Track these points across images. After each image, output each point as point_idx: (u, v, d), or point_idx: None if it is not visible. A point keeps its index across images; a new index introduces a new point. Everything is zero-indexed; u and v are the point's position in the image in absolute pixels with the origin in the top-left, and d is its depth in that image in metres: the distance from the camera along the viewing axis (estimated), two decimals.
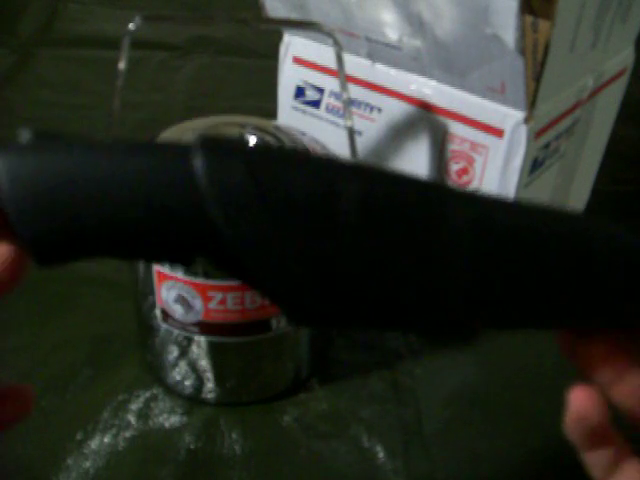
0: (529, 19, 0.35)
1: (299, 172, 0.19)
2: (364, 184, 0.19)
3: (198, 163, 0.18)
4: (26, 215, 0.17)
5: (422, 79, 0.44)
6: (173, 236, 0.18)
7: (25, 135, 0.18)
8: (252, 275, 0.19)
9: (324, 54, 0.48)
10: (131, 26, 0.36)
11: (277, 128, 0.41)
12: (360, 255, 0.19)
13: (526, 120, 0.39)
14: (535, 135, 0.40)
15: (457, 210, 0.20)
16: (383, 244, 0.19)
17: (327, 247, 0.19)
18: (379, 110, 0.46)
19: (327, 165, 0.20)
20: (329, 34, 0.38)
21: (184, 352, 0.39)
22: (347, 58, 0.40)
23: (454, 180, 0.44)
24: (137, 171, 0.18)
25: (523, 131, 0.40)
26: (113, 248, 0.19)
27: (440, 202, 0.20)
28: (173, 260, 0.20)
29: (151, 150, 0.19)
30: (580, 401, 0.21)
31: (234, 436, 0.39)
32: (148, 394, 0.41)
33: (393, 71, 0.45)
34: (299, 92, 0.51)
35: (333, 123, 0.50)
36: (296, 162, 0.20)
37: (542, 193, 0.48)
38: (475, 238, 0.20)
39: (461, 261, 0.20)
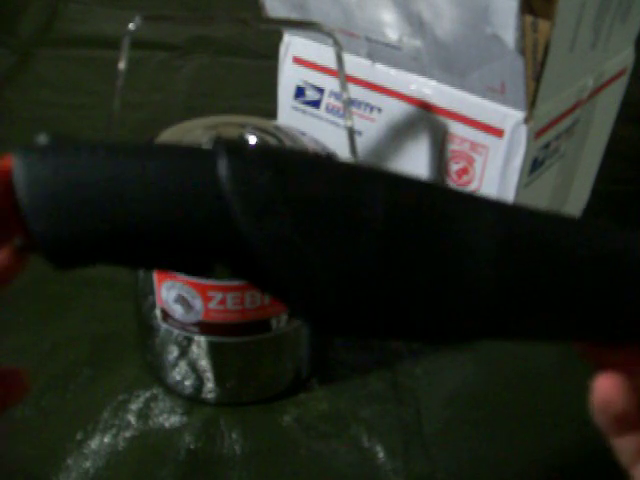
0: (529, 19, 0.35)
1: (324, 177, 0.19)
2: (389, 190, 0.19)
3: (222, 167, 0.18)
4: (43, 216, 0.17)
5: (422, 79, 0.44)
6: (194, 240, 0.18)
7: (42, 140, 0.18)
8: (275, 281, 0.19)
9: (324, 54, 0.48)
10: (131, 26, 0.36)
11: (277, 128, 0.41)
12: (385, 262, 0.19)
13: (526, 120, 0.39)
14: (535, 135, 0.40)
15: (483, 219, 0.20)
16: (407, 252, 0.19)
17: (352, 253, 0.19)
18: (379, 110, 0.46)
19: (352, 170, 0.20)
20: (329, 34, 0.38)
21: (184, 352, 0.39)
22: (347, 58, 0.40)
23: (454, 180, 0.44)
24: (158, 175, 0.18)
25: (523, 131, 0.40)
26: (131, 253, 0.18)
27: (467, 210, 0.20)
28: (191, 268, 0.19)
29: (173, 154, 0.19)
30: (605, 388, 0.21)
31: (234, 436, 0.39)
32: (148, 394, 0.41)
33: (393, 71, 0.45)
34: (299, 92, 0.51)
35: (333, 123, 0.50)
36: (320, 166, 0.19)
37: (542, 193, 0.48)
38: (502, 250, 0.20)
39: (486, 272, 0.19)
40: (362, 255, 0.19)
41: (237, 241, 0.18)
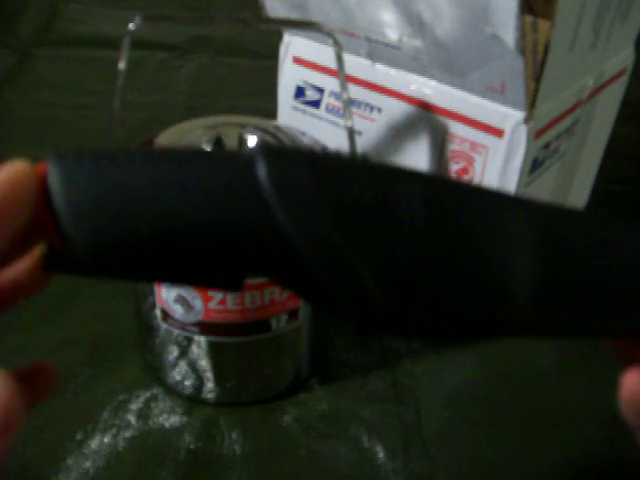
0: (529, 19, 0.35)
1: (361, 177, 0.19)
2: (427, 189, 0.19)
3: (261, 169, 0.18)
4: (80, 219, 0.17)
5: (422, 79, 0.44)
6: (234, 244, 0.18)
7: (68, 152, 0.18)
8: (316, 283, 0.18)
9: (324, 54, 0.48)
10: (131, 26, 0.36)
11: (277, 128, 0.41)
12: (427, 258, 0.19)
13: (526, 120, 0.39)
14: (535, 135, 0.40)
15: (520, 215, 0.20)
16: (449, 248, 0.19)
17: (393, 249, 0.18)
18: (379, 110, 0.46)
19: (388, 170, 0.20)
20: (329, 34, 0.38)
21: (184, 352, 0.39)
22: (347, 58, 0.40)
23: None
24: (197, 178, 0.18)
25: (523, 131, 0.40)
26: (168, 259, 0.18)
27: (502, 206, 0.20)
28: (223, 280, 0.19)
29: (210, 158, 0.19)
30: (633, 383, 0.21)
31: (234, 436, 0.39)
32: (148, 394, 0.41)
33: (393, 71, 0.45)
34: (299, 92, 0.51)
35: (333, 123, 0.50)
36: (357, 166, 0.19)
37: (542, 193, 0.48)
38: (541, 244, 0.20)
39: (527, 267, 0.19)
40: (404, 253, 0.19)
41: (277, 240, 0.18)
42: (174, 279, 0.20)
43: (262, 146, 0.18)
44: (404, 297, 0.19)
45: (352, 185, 0.19)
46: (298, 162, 0.18)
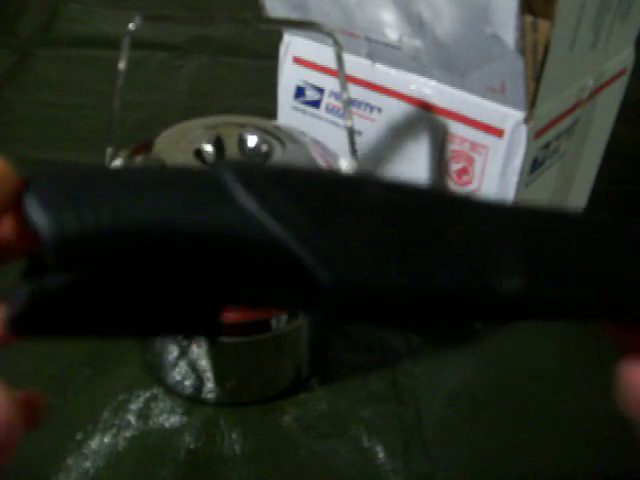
0: (529, 19, 0.35)
1: (327, 175, 0.20)
2: (387, 181, 0.20)
3: (229, 176, 0.18)
4: (53, 219, 0.17)
5: (422, 79, 0.44)
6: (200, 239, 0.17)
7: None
8: (293, 260, 0.18)
9: (324, 54, 0.48)
10: (131, 26, 0.36)
11: (277, 128, 0.41)
12: (397, 229, 0.18)
13: (526, 120, 0.39)
14: (535, 135, 0.41)
15: (486, 202, 0.20)
16: (416, 217, 0.19)
17: (358, 224, 0.18)
18: (379, 110, 0.46)
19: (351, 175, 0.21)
20: (329, 34, 0.38)
21: (184, 352, 0.39)
22: (347, 58, 0.40)
23: (454, 180, 0.44)
24: (164, 181, 0.18)
25: (523, 131, 0.40)
26: (142, 266, 0.17)
27: (468, 197, 0.20)
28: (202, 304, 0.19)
29: (174, 171, 0.19)
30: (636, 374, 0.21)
31: (234, 436, 0.39)
32: (148, 394, 0.41)
33: (393, 71, 0.45)
34: (299, 92, 0.51)
35: (333, 123, 0.50)
36: (322, 170, 0.20)
37: (542, 193, 0.48)
38: (513, 219, 0.20)
39: (506, 246, 0.19)
40: (371, 223, 0.18)
41: (249, 230, 0.17)
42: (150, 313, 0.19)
43: (229, 163, 0.19)
44: (374, 274, 0.18)
45: (315, 177, 0.19)
46: (266, 167, 0.19)
